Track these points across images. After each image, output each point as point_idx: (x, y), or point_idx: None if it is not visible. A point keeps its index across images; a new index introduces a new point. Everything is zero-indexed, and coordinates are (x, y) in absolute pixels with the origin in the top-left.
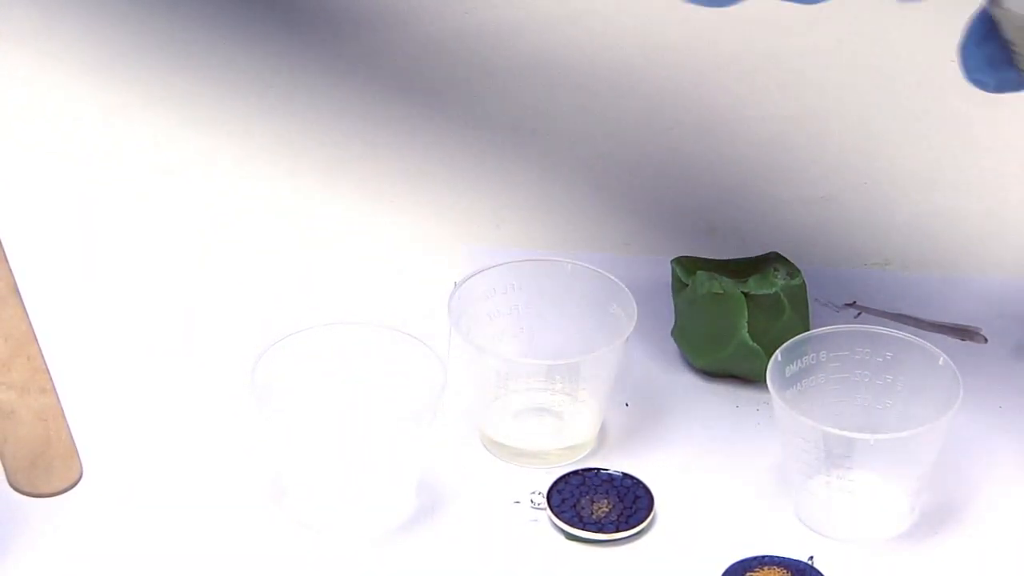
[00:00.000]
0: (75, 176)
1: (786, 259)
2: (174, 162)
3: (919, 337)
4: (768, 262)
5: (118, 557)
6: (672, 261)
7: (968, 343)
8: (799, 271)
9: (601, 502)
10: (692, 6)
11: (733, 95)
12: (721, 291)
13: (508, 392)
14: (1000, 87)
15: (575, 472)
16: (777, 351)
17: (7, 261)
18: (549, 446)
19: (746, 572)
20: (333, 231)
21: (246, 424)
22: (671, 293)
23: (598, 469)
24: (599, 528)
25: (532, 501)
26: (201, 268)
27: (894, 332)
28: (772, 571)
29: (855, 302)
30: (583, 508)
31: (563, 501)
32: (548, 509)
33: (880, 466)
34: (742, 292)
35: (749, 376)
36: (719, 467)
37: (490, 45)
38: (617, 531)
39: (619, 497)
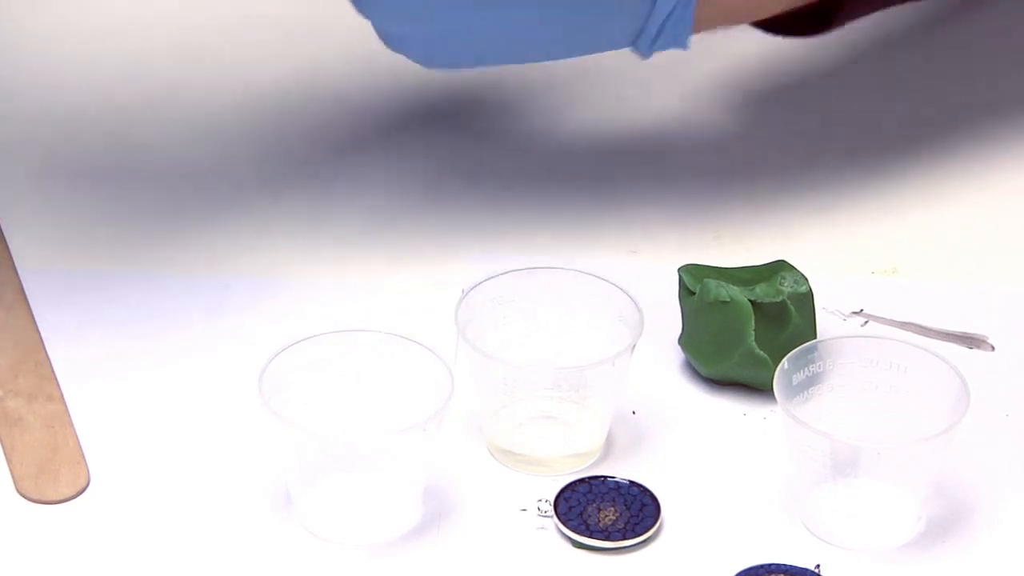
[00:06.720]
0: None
1: (793, 267)
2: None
3: (926, 345)
4: (775, 270)
5: (125, 564)
6: (679, 269)
7: (975, 351)
8: (806, 279)
9: (608, 510)
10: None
11: (739, 103)
12: (728, 299)
13: (515, 400)
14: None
15: (582, 480)
16: (784, 359)
17: (14, 267)
18: (556, 454)
19: None
20: (342, 238)
21: (253, 431)
22: (678, 301)
23: (605, 477)
24: (606, 536)
25: (539, 509)
26: (208, 273)
27: (901, 340)
28: None
29: (862, 310)
30: (590, 516)
31: (570, 509)
32: (555, 517)
33: (887, 474)
34: (749, 300)
35: (756, 384)
36: (726, 475)
37: None
38: (624, 539)
39: (626, 505)
